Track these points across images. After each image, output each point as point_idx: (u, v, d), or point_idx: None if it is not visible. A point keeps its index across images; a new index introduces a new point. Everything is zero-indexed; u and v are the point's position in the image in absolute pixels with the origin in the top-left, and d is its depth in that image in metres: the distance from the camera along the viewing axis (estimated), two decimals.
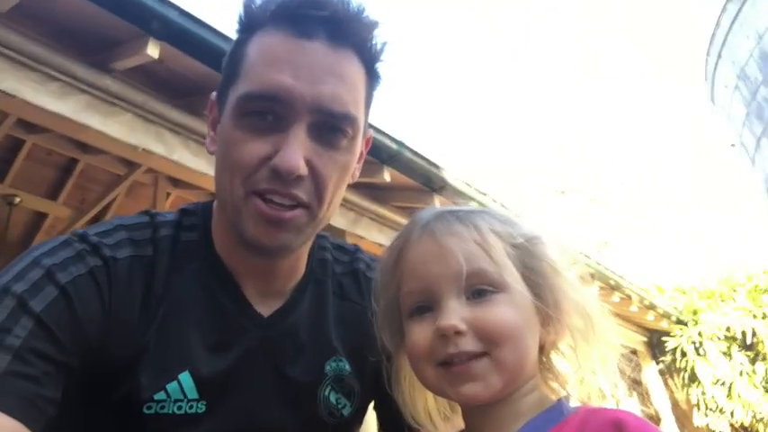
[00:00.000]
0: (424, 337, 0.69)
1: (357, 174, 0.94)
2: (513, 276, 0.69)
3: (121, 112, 2.60)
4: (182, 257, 0.87)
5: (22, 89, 2.27)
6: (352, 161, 0.86)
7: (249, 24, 0.84)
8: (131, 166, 4.28)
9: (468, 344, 0.66)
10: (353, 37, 0.82)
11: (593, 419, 0.65)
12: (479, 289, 0.68)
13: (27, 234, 4.86)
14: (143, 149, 2.66)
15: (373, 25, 0.84)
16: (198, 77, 2.69)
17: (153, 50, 2.43)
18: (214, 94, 0.90)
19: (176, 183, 4.60)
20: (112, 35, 2.47)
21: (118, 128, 2.57)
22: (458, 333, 0.66)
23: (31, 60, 2.29)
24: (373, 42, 0.85)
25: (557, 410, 0.69)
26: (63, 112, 2.38)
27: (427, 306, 0.71)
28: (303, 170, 0.77)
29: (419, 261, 0.72)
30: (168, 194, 4.77)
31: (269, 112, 0.78)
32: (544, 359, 0.74)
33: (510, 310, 0.68)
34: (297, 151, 0.77)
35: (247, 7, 0.84)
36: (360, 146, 0.89)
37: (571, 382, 0.73)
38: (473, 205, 0.82)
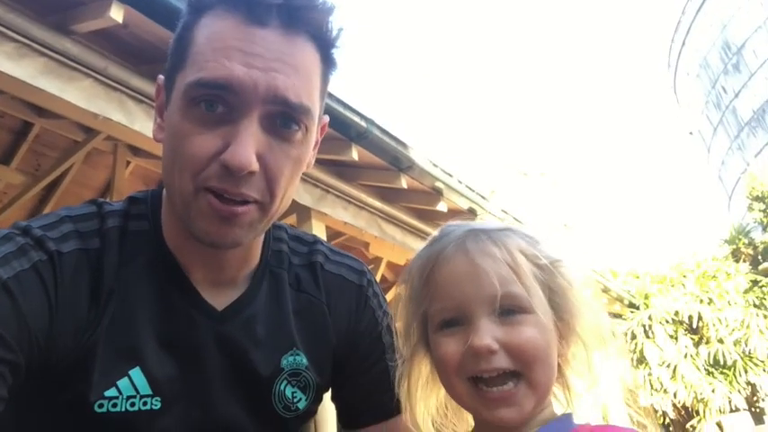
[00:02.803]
0: (454, 351, 0.72)
1: (312, 162, 0.91)
2: (538, 298, 0.73)
3: (81, 77, 2.48)
4: (131, 249, 0.84)
5: None
6: (306, 153, 0.83)
7: (197, 5, 0.79)
8: (90, 132, 4.13)
9: (501, 361, 0.70)
10: (308, 24, 0.78)
11: None
12: (509, 309, 0.71)
13: None
14: (103, 118, 2.56)
15: (329, 11, 0.79)
16: (163, 44, 2.58)
17: (117, 14, 2.32)
18: (161, 77, 0.85)
19: (137, 151, 4.47)
20: None
21: (77, 94, 2.46)
22: (491, 352, 0.69)
23: None
24: (329, 28, 0.81)
25: (565, 422, 0.73)
26: (18, 75, 2.25)
27: (457, 321, 0.73)
28: (254, 166, 0.74)
29: (453, 280, 0.74)
30: (128, 163, 4.63)
31: (219, 102, 0.74)
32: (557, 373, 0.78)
33: (537, 331, 0.71)
34: (248, 146, 0.73)
35: None
36: (315, 136, 0.86)
37: (580, 394, 0.77)
38: (497, 222, 0.84)
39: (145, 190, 0.93)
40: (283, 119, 0.77)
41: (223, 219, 0.76)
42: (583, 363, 0.77)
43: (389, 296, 1.05)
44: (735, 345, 9.13)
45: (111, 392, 0.78)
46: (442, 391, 0.81)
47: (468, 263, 0.74)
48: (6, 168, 4.51)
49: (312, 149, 0.88)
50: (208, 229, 0.77)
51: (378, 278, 4.40)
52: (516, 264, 0.73)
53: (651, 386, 8.96)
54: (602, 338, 0.77)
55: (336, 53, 0.84)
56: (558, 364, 0.76)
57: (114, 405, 0.78)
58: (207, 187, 0.75)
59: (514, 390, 0.70)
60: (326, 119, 0.94)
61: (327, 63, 0.84)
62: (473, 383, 0.71)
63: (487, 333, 0.69)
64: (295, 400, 0.92)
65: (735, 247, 11.06)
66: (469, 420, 0.82)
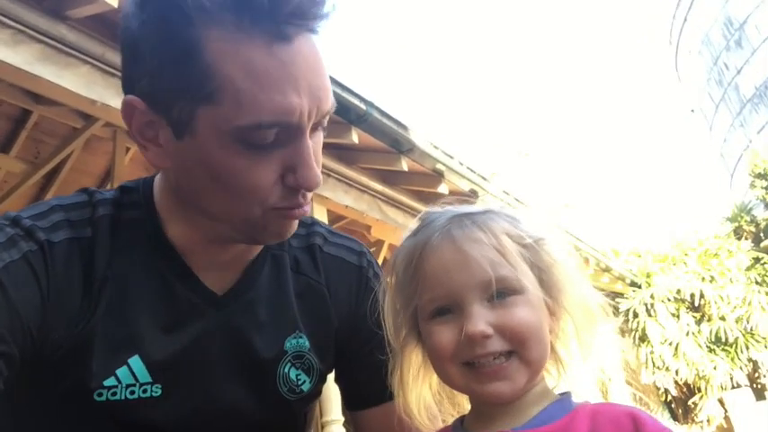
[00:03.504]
0: (447, 338, 0.72)
1: None
2: (527, 277, 0.73)
3: (79, 63, 2.47)
4: (125, 238, 0.83)
5: None
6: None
7: (189, 13, 0.68)
8: (89, 119, 4.11)
9: (496, 344, 0.70)
10: (317, 23, 0.75)
11: (605, 411, 0.70)
12: (500, 292, 0.71)
13: None
14: (102, 104, 2.54)
15: (335, 8, 0.76)
16: None
17: None
18: (133, 98, 0.75)
19: None
20: None
21: (75, 80, 2.45)
22: (485, 337, 0.69)
23: None
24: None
25: (566, 401, 0.74)
26: (15, 62, 2.24)
27: (448, 309, 0.73)
28: (320, 180, 0.78)
29: (442, 269, 0.74)
30: (128, 149, 4.61)
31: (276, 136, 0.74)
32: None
33: (529, 310, 0.72)
34: (315, 166, 0.76)
35: None
36: None
37: (570, 369, 0.78)
38: (478, 204, 0.84)
39: (135, 179, 0.92)
40: (321, 120, 0.79)
41: (293, 220, 0.82)
42: (572, 337, 0.77)
43: None
44: (736, 322, 9.16)
45: (110, 381, 0.78)
46: (435, 378, 0.82)
47: (455, 250, 0.74)
48: (6, 156, 4.50)
49: None
50: (280, 232, 0.82)
51: (380, 261, 4.40)
52: (502, 246, 0.73)
53: (653, 364, 9.01)
54: (591, 312, 0.77)
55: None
56: (551, 341, 0.77)
57: (114, 394, 0.78)
58: (275, 208, 0.78)
59: (506, 364, 0.70)
60: None
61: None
62: (467, 368, 0.72)
63: (481, 319, 0.70)
64: (299, 383, 0.92)
65: (737, 224, 11.05)
66: (465, 405, 0.82)
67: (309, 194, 0.80)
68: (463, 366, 0.72)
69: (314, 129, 0.78)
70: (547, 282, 0.75)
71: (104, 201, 0.86)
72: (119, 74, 2.60)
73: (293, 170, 0.75)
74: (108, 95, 2.56)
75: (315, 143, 0.78)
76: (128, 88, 0.77)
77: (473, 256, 0.72)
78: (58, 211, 0.82)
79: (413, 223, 0.83)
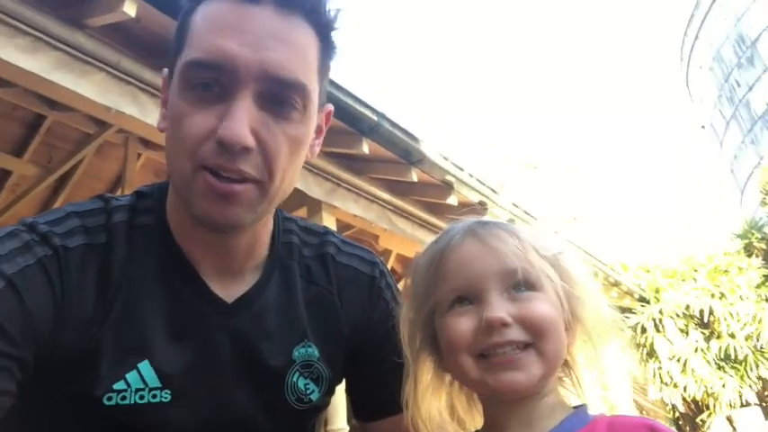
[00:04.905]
0: (465, 328, 0.73)
1: (317, 149, 0.91)
2: (547, 280, 0.74)
3: (95, 71, 2.50)
4: (137, 243, 0.84)
5: None
6: (305, 134, 0.81)
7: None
8: (102, 125, 4.15)
9: (514, 333, 0.71)
10: (302, 2, 0.78)
11: (623, 423, 0.71)
12: (519, 287, 0.72)
13: None
14: (116, 111, 2.57)
15: None
16: None
17: (130, 8, 2.33)
18: (166, 70, 0.85)
19: (148, 144, 4.49)
20: None
21: (91, 88, 2.48)
22: (504, 324, 0.70)
23: (1, 13, 2.18)
24: (325, 9, 0.81)
25: (582, 413, 0.75)
26: (33, 69, 2.27)
27: (467, 300, 0.74)
28: (249, 141, 0.73)
29: (464, 260, 0.75)
30: (139, 155, 4.65)
31: (214, 83, 0.75)
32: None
33: (549, 306, 0.73)
34: (241, 120, 0.73)
35: None
36: (315, 118, 0.85)
37: (586, 381, 0.79)
38: (489, 216, 0.86)
39: (151, 184, 0.93)
40: (278, 97, 0.77)
41: (221, 197, 0.76)
42: (588, 351, 0.78)
43: (399, 288, 1.05)
44: (746, 339, 9.06)
45: (119, 385, 0.78)
46: (446, 392, 0.82)
47: (478, 244, 0.76)
48: (19, 160, 4.54)
49: (315, 135, 0.88)
50: (208, 209, 0.77)
51: None
52: (525, 248, 0.75)
53: (661, 380, 8.92)
54: (606, 327, 0.78)
55: (335, 36, 0.84)
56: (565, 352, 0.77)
57: (123, 398, 0.78)
58: (204, 165, 0.75)
59: (521, 354, 0.70)
60: (330, 107, 0.94)
61: (326, 45, 0.83)
62: (482, 359, 0.72)
63: (501, 307, 0.71)
64: (308, 392, 0.92)
65: (747, 241, 10.95)
66: (478, 420, 0.82)
67: (241, 165, 0.75)
68: (478, 358, 0.72)
69: (267, 101, 0.76)
70: (564, 293, 0.76)
71: (120, 207, 0.87)
72: (134, 81, 2.64)
73: (222, 122, 0.74)
74: (123, 103, 2.59)
75: (267, 116, 0.76)
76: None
77: (497, 247, 0.74)
78: (73, 217, 0.83)
79: (436, 237, 0.84)
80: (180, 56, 0.78)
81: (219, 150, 0.74)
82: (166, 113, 0.83)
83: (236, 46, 0.73)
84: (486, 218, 0.82)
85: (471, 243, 0.76)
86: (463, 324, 0.73)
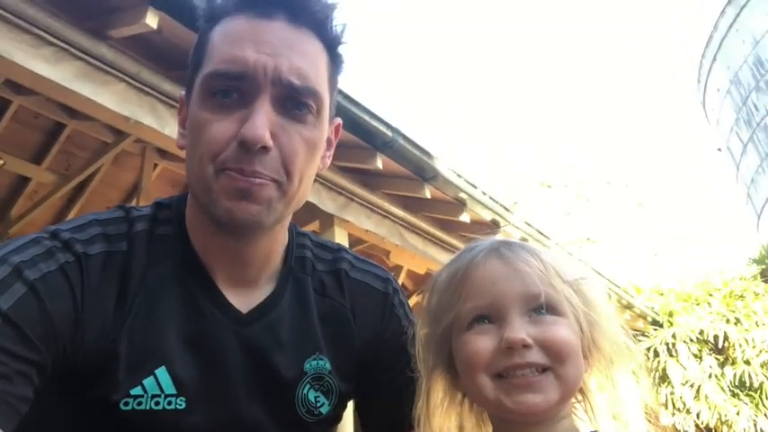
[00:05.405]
0: (484, 347, 0.73)
1: (328, 162, 0.94)
2: (568, 305, 0.74)
3: (115, 81, 2.54)
4: (157, 252, 0.86)
5: (13, 51, 2.20)
6: (319, 138, 0.86)
7: (212, 14, 0.86)
8: (120, 134, 4.20)
9: (534, 356, 0.71)
10: (311, 17, 0.84)
11: None
12: (540, 310, 0.72)
13: (9, 198, 4.77)
14: (135, 121, 2.60)
15: (331, 7, 0.85)
16: None
17: (152, 20, 2.37)
18: (183, 92, 0.90)
19: (164, 154, 4.54)
20: (111, 2, 2.41)
21: (110, 98, 2.52)
22: (525, 346, 0.70)
23: (26, 23, 2.22)
24: (332, 24, 0.86)
25: None
26: (55, 78, 2.31)
27: (487, 319, 0.74)
28: (268, 141, 0.77)
29: (487, 279, 0.75)
30: (156, 165, 4.70)
31: (233, 90, 0.79)
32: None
33: (570, 331, 0.73)
34: (261, 121, 0.77)
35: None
36: (327, 126, 0.89)
37: (598, 410, 0.78)
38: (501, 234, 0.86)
39: (170, 196, 0.96)
40: (293, 101, 0.81)
41: (242, 193, 0.78)
42: (603, 378, 0.78)
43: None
44: (762, 367, 8.89)
45: (136, 391, 0.79)
46: (457, 411, 0.82)
47: (503, 264, 0.76)
48: (37, 168, 4.61)
49: (326, 147, 0.91)
50: (230, 207, 0.79)
51: None
52: (548, 272, 0.75)
53: (673, 405, 8.77)
54: (623, 356, 0.78)
55: (342, 50, 0.89)
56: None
57: (139, 403, 0.79)
58: (225, 168, 0.79)
59: (540, 377, 0.70)
60: (339, 121, 0.97)
61: (333, 58, 0.88)
62: (499, 380, 0.72)
63: (522, 328, 0.71)
64: (318, 405, 0.92)
65: (764, 266, 10.80)
66: None
67: (261, 166, 0.78)
68: (495, 378, 0.72)
69: (284, 104, 0.80)
70: (585, 319, 0.76)
71: (140, 217, 0.89)
72: (153, 92, 2.68)
73: (244, 125, 0.78)
74: (141, 113, 2.63)
75: (284, 119, 0.80)
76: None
77: (522, 270, 0.74)
78: (95, 225, 0.84)
79: (454, 255, 0.85)
80: (199, 71, 0.83)
81: (240, 152, 0.78)
82: (185, 132, 0.87)
83: (254, 54, 0.78)
84: (508, 239, 0.83)
85: (495, 263, 0.76)
86: (482, 343, 0.72)
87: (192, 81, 0.85)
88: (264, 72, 0.78)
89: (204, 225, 0.86)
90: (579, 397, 0.78)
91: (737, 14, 14.85)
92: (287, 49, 0.80)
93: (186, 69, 0.88)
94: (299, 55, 0.81)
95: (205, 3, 0.88)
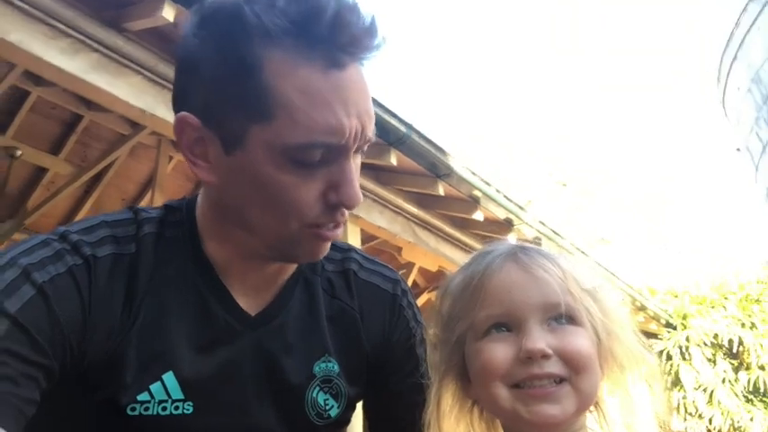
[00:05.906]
0: (501, 356, 0.71)
1: None
2: (586, 313, 0.73)
3: (131, 73, 2.56)
4: (166, 255, 0.85)
5: (31, 42, 2.22)
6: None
7: (250, 27, 0.72)
8: (136, 126, 4.24)
9: (553, 366, 0.69)
10: (370, 53, 0.78)
11: None
12: (559, 319, 0.71)
13: (26, 188, 4.83)
14: (150, 113, 2.62)
15: (386, 47, 0.79)
16: None
17: (168, 13, 2.38)
18: (187, 114, 0.77)
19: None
20: None
21: (126, 90, 2.53)
22: (544, 356, 0.68)
23: (43, 14, 2.24)
24: None
25: None
26: (71, 69, 2.33)
27: (504, 327, 0.72)
28: (360, 198, 0.80)
29: (505, 287, 0.73)
30: (171, 158, 4.73)
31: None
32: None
33: (588, 342, 0.71)
34: (357, 187, 0.78)
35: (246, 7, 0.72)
36: None
37: (612, 421, 0.77)
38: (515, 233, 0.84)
39: (180, 198, 0.94)
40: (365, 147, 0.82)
41: (326, 242, 0.83)
42: (618, 388, 0.76)
43: (420, 302, 1.04)
44: None
45: (143, 396, 0.78)
46: (467, 418, 0.80)
47: (521, 271, 0.74)
48: (55, 158, 4.66)
49: None
50: (312, 253, 0.84)
51: (409, 283, 4.38)
52: (567, 279, 0.73)
53: (686, 410, 8.68)
54: (640, 367, 0.77)
55: None
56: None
57: (146, 409, 0.78)
58: (312, 224, 0.80)
59: (557, 387, 0.69)
60: None
61: None
62: (516, 390, 0.71)
63: (541, 337, 0.69)
64: (327, 408, 0.91)
65: None
66: None
67: (346, 215, 0.82)
68: (512, 388, 0.71)
69: (355, 152, 0.80)
70: (603, 328, 0.74)
71: (149, 219, 0.88)
72: (169, 85, 2.68)
73: (336, 188, 0.78)
74: (157, 105, 2.64)
75: (355, 165, 0.80)
76: (179, 103, 0.80)
77: (542, 277, 0.72)
78: (104, 227, 0.84)
79: (468, 259, 0.83)
80: (264, 123, 0.73)
81: (331, 210, 0.79)
82: (214, 167, 0.79)
83: (346, 119, 0.75)
84: (525, 243, 0.81)
85: (513, 269, 0.74)
86: (500, 352, 0.71)
87: (242, 124, 0.74)
88: (355, 136, 0.76)
89: (226, 232, 0.86)
90: (591, 408, 0.76)
91: (760, 11, 14.56)
92: (365, 103, 0.78)
93: (218, 110, 0.78)
94: (370, 105, 0.80)
95: (253, 19, 0.72)
